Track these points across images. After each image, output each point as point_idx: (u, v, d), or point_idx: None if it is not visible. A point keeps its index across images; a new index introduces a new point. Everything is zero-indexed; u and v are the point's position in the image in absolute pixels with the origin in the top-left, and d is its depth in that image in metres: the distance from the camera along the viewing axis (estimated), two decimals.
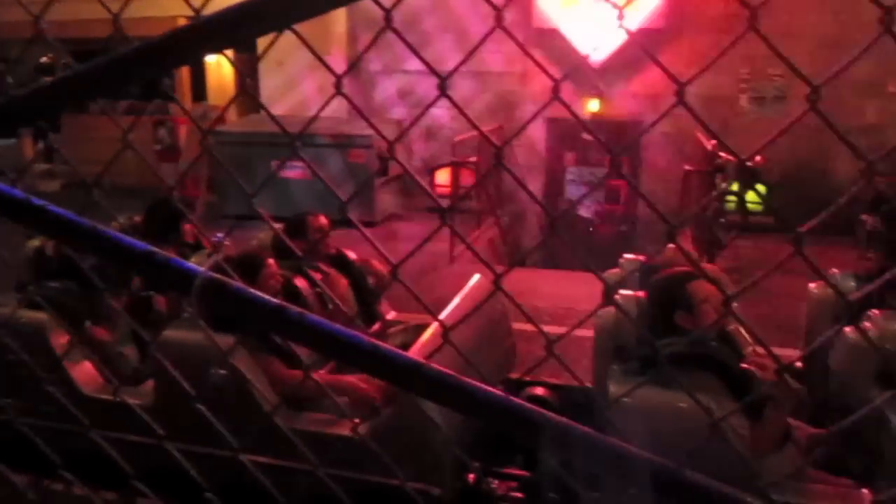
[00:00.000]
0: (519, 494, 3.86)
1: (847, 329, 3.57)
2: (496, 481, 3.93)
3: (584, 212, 9.09)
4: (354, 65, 10.21)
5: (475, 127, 1.29)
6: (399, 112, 11.00)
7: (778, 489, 3.22)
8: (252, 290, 1.08)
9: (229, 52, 1.26)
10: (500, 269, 1.30)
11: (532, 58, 1.12)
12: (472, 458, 3.84)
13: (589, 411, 3.61)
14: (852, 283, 4.08)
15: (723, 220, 7.54)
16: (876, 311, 3.57)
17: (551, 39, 9.69)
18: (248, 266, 3.86)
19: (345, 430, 3.53)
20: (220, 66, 13.55)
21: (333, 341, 1.05)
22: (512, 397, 1.16)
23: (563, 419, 1.19)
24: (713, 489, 1.07)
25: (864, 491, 3.25)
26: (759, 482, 3.13)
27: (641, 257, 4.20)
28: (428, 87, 9.82)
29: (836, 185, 8.68)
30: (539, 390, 4.56)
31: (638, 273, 4.10)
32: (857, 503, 3.22)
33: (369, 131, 9.51)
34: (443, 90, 1.09)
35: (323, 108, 1.18)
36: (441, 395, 1.10)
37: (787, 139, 8.64)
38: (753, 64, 9.05)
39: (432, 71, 1.09)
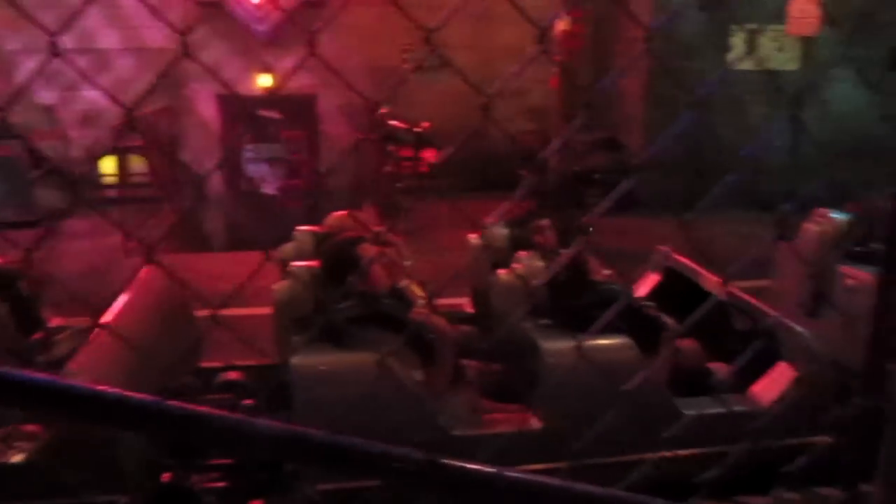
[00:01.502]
0: (222, 483, 3.76)
1: (500, 271, 3.98)
2: (198, 475, 3.78)
3: (268, 189, 8.99)
4: None
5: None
6: (48, 97, 9.87)
7: (456, 424, 3.53)
8: None
9: None
10: (181, 256, 1.19)
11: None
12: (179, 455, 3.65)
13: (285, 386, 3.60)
14: (504, 231, 4.55)
15: (399, 184, 7.94)
16: (523, 253, 4.03)
17: (216, 13, 9.33)
18: None
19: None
20: None
21: None
22: (168, 401, 1.06)
23: (230, 414, 1.10)
24: (371, 450, 1.08)
25: (528, 413, 3.67)
26: (438, 420, 3.36)
27: (314, 228, 4.25)
28: (81, 67, 8.91)
29: (494, 145, 9.56)
30: (232, 375, 4.44)
31: (312, 243, 4.15)
32: (525, 424, 3.63)
33: (16, 119, 8.47)
34: None
35: None
36: (87, 413, 0.97)
37: (449, 104, 9.29)
38: (415, 34, 9.52)
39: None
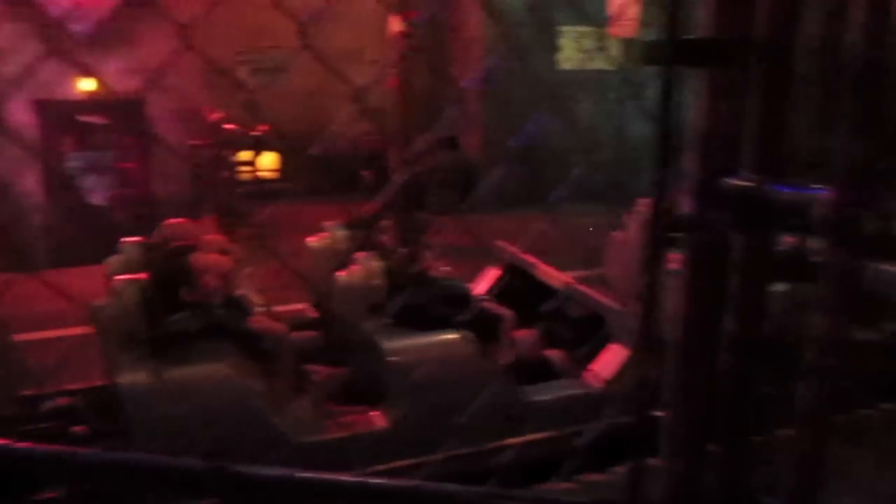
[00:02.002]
0: None
1: (340, 273, 3.96)
2: None
3: (96, 199, 8.43)
4: None
5: None
6: None
7: (301, 431, 3.47)
8: None
9: None
10: None
11: None
12: None
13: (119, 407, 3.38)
14: (344, 233, 4.52)
15: (239, 189, 7.70)
16: (362, 254, 4.02)
17: (27, 12, 8.66)
18: None
19: None
20: None
21: None
22: None
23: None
24: (156, 464, 1.03)
25: (374, 413, 3.68)
26: (281, 429, 3.29)
27: (141, 238, 4.04)
28: None
29: (336, 147, 9.49)
30: (62, 401, 4.14)
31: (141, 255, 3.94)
32: (371, 424, 3.63)
33: None
34: None
35: None
36: None
37: (289, 107, 9.13)
38: (249, 37, 9.29)
39: None
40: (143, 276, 3.57)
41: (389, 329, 3.76)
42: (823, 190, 0.75)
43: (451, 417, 3.34)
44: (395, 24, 7.64)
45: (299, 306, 4.97)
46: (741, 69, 0.86)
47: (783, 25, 0.84)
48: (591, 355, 4.06)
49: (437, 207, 7.29)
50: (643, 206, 5.31)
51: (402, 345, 3.67)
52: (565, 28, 9.62)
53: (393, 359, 3.64)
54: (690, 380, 0.94)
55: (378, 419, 3.65)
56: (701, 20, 0.86)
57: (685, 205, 0.90)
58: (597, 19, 9.27)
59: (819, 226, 0.74)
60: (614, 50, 9.57)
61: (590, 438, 3.18)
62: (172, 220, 4.06)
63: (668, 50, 0.86)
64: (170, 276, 3.40)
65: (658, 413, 1.00)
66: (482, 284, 4.95)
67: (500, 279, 4.91)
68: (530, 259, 4.78)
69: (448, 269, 4.26)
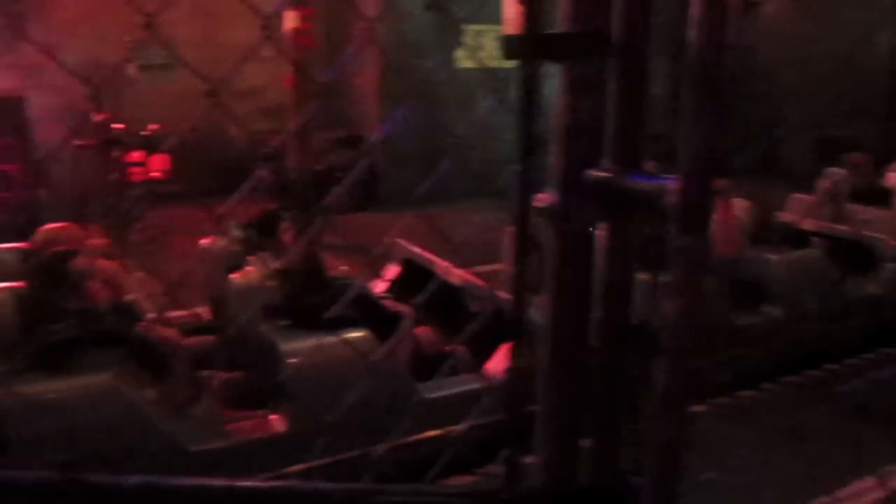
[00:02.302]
0: None
1: (233, 276, 3.87)
2: None
3: None
4: None
5: None
6: None
7: (197, 439, 3.37)
8: None
9: None
10: None
11: None
12: None
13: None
14: (239, 233, 4.42)
15: (129, 191, 7.40)
16: (257, 255, 3.95)
17: None
18: None
19: None
20: None
21: None
22: None
23: None
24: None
25: (273, 417, 3.61)
26: (176, 438, 3.18)
27: (19, 244, 3.82)
28: None
29: (232, 145, 9.26)
30: None
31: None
32: (269, 428, 3.57)
33: None
34: None
35: None
36: None
37: (182, 105, 8.82)
38: (138, 31, 8.93)
39: None
40: (19, 284, 3.39)
41: (287, 331, 3.70)
42: (672, 179, 0.78)
43: (350, 418, 3.32)
44: (290, 20, 7.52)
45: (194, 310, 4.83)
46: (600, 63, 0.89)
47: (638, 20, 0.87)
48: (491, 350, 4.12)
49: (338, 206, 7.23)
50: (540, 200, 5.42)
51: (299, 346, 3.62)
52: (465, 26, 9.72)
53: (291, 360, 3.58)
54: (560, 369, 0.96)
55: (277, 423, 3.59)
56: (559, 15, 0.88)
57: (550, 196, 0.92)
58: (497, 17, 9.41)
59: (669, 213, 0.77)
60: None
61: (463, 434, 3.25)
62: (52, 225, 3.86)
63: (527, 45, 0.88)
64: (49, 283, 3.23)
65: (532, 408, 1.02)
66: (382, 283, 4.94)
67: (399, 277, 4.92)
68: (429, 256, 4.81)
69: (346, 268, 4.23)
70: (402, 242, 5.11)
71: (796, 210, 6.49)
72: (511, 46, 0.92)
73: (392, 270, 5.03)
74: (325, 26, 9.31)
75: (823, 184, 6.79)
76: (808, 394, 4.37)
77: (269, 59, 10.15)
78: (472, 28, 9.71)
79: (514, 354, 1.04)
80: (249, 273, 3.83)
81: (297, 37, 7.36)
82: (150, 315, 3.67)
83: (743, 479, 3.15)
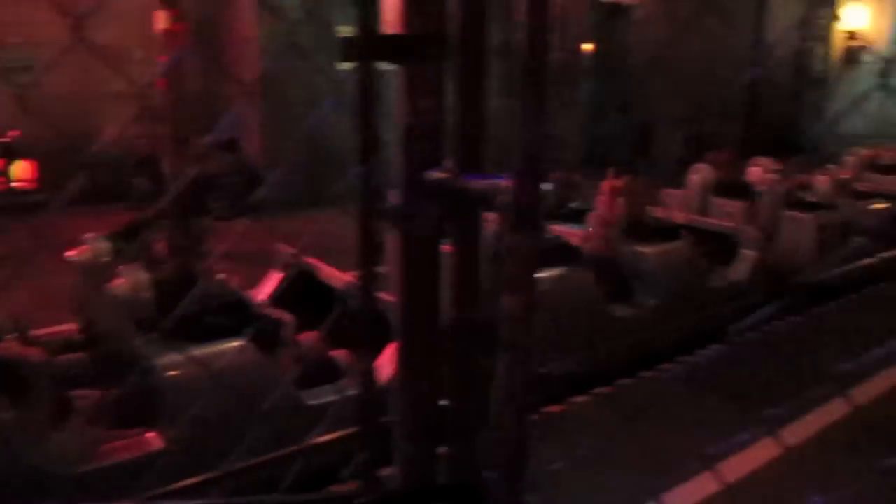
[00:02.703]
0: None
1: (104, 288, 3.68)
2: None
3: None
4: None
5: None
6: None
7: (65, 462, 3.19)
8: None
9: None
10: None
11: None
12: None
13: None
14: (107, 244, 4.20)
15: None
16: (127, 266, 3.76)
17: None
18: None
19: None
20: None
21: None
22: None
23: None
24: None
25: (150, 434, 3.46)
26: (38, 463, 2.99)
27: None
28: None
29: (105, 151, 8.82)
30: None
31: None
32: (146, 446, 3.41)
33: None
34: None
35: None
36: None
37: (46, 109, 8.34)
38: None
39: None
40: None
41: (162, 344, 3.55)
42: (505, 178, 0.80)
43: (232, 430, 3.22)
44: (161, 21, 7.25)
45: (64, 327, 4.56)
46: (438, 65, 0.89)
47: (474, 23, 0.89)
48: (377, 353, 4.10)
49: (218, 212, 7.01)
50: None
51: (176, 359, 3.47)
52: (344, 28, 9.65)
53: (167, 374, 3.44)
54: (411, 369, 0.96)
55: (154, 440, 3.44)
56: (397, 17, 0.89)
57: (393, 197, 0.92)
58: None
59: (503, 211, 0.79)
60: None
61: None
62: None
63: (364, 46, 0.87)
64: None
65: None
66: (265, 290, 4.82)
67: (282, 283, 4.82)
68: (313, 261, 4.74)
69: (224, 276, 4.10)
70: (285, 248, 5.01)
71: (667, 204, 6.82)
72: (348, 48, 0.92)
73: (275, 277, 4.93)
74: (197, 25, 9.03)
75: (691, 179, 7.17)
76: (669, 378, 4.60)
77: (140, 60, 9.77)
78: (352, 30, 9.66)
79: (363, 357, 1.04)
80: (119, 285, 3.66)
81: (168, 38, 7.10)
82: (11, 335, 3.45)
83: (590, 468, 3.29)
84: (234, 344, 3.58)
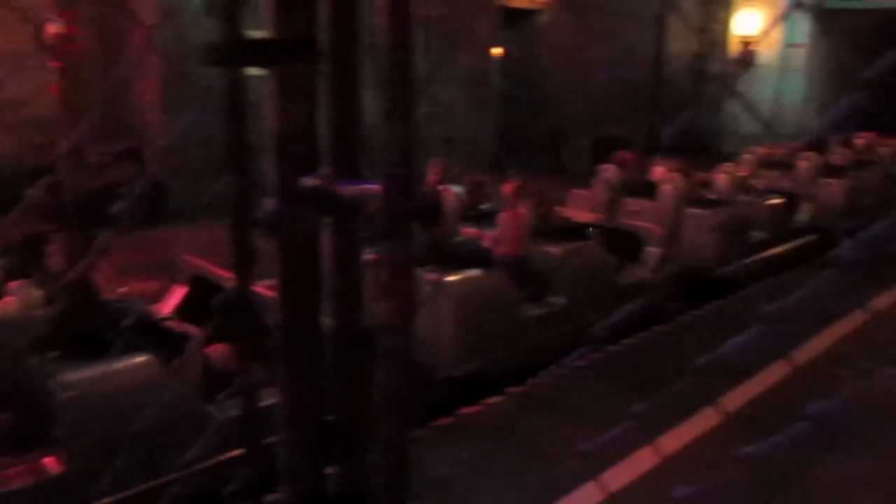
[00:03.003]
0: None
1: None
2: None
3: None
4: None
5: None
6: None
7: None
8: None
9: None
10: None
11: None
12: None
13: None
14: None
15: None
16: (16, 283, 3.58)
17: None
18: None
19: None
20: None
21: None
22: None
23: None
24: None
25: (48, 459, 3.29)
26: None
27: None
28: None
29: None
30: None
31: None
32: (42, 472, 3.25)
33: None
34: None
35: None
36: None
37: None
38: None
39: None
40: None
41: (59, 362, 3.39)
42: (376, 184, 0.79)
43: (136, 448, 3.10)
44: (55, 26, 6.95)
45: None
46: (309, 70, 0.88)
47: (345, 27, 0.87)
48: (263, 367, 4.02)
49: (120, 224, 6.74)
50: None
51: (75, 378, 3.32)
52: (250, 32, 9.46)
53: (66, 394, 3.28)
54: (295, 382, 0.94)
55: (53, 465, 3.28)
56: (264, 21, 0.87)
57: (268, 204, 0.90)
58: None
59: (374, 218, 0.78)
60: None
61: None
62: None
63: (230, 51, 0.85)
64: None
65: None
66: (170, 302, 4.67)
67: (187, 294, 4.68)
68: (218, 271, 4.61)
69: (125, 289, 3.96)
70: (191, 258, 4.86)
71: (576, 205, 6.98)
72: (212, 53, 0.89)
73: (179, 289, 4.78)
74: (94, 30, 8.69)
75: (598, 179, 7.35)
76: (579, 374, 4.70)
77: (32, 66, 9.31)
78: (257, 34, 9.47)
79: (244, 373, 1.01)
80: (9, 303, 3.47)
81: (63, 43, 6.81)
82: None
83: (476, 475, 3.35)
84: (137, 360, 3.45)
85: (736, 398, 4.13)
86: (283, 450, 0.96)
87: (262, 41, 0.87)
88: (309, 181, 0.88)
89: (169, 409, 3.31)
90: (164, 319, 3.95)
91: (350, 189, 0.83)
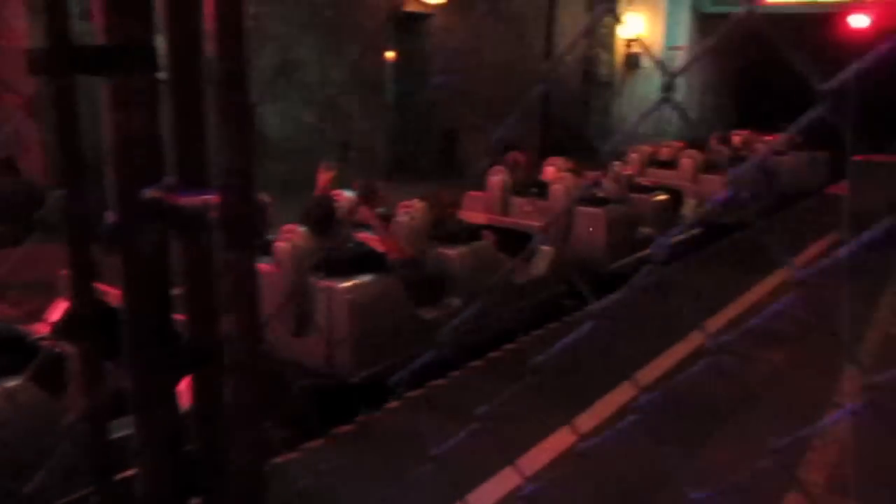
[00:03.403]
0: None
1: None
2: None
3: None
4: None
5: None
6: None
7: None
8: None
9: None
10: None
11: None
12: None
13: None
14: None
15: None
16: None
17: None
18: None
19: None
20: None
21: None
22: None
23: None
24: None
25: None
26: None
27: None
28: None
29: None
30: None
31: None
32: None
33: None
34: None
35: None
36: None
37: None
38: None
39: None
40: None
41: None
42: (214, 193, 0.77)
43: (13, 478, 2.92)
44: None
45: None
46: (147, 77, 0.85)
47: (184, 31, 0.85)
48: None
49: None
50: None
51: None
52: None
53: None
54: (145, 408, 0.91)
55: None
56: (95, 27, 0.83)
57: (109, 217, 0.86)
58: None
59: (215, 227, 0.76)
60: None
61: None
62: None
63: (58, 58, 0.81)
64: None
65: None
66: (50, 320, 4.42)
67: (68, 312, 4.43)
68: (103, 287, 4.41)
69: None
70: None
71: (470, 206, 7.06)
72: (37, 60, 0.85)
73: (61, 306, 4.53)
74: None
75: (491, 181, 7.46)
76: (477, 375, 4.77)
77: None
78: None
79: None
80: None
81: None
82: None
83: (372, 482, 3.38)
84: (10, 384, 3.25)
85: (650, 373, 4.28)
86: (139, 483, 0.92)
87: (90, 48, 0.83)
88: (149, 192, 0.85)
89: (48, 435, 3.14)
90: (42, 339, 3.74)
91: (190, 199, 0.81)
